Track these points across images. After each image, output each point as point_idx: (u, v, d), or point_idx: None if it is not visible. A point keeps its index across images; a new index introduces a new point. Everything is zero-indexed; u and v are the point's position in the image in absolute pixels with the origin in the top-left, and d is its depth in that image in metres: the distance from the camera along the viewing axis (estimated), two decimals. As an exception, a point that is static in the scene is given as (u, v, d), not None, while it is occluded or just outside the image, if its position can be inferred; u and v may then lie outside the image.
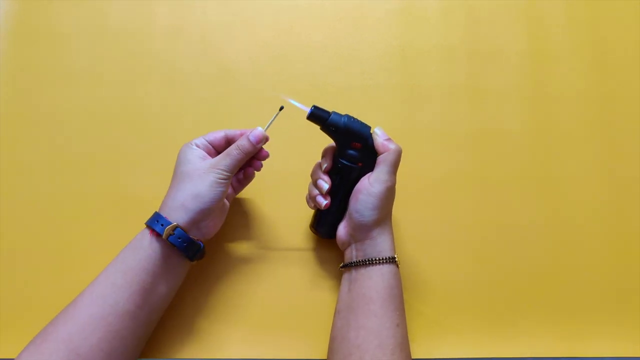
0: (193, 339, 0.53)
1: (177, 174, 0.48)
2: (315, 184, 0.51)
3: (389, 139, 0.49)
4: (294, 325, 0.54)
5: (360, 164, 0.49)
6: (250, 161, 0.51)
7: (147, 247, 0.45)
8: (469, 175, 0.60)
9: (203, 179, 0.47)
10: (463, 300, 0.56)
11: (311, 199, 0.52)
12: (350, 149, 0.49)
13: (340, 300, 0.49)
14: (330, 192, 0.50)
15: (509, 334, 0.55)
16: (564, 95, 0.64)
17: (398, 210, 0.52)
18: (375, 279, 0.47)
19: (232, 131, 0.51)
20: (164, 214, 0.46)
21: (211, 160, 0.48)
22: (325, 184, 0.50)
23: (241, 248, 0.57)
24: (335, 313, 0.49)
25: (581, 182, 0.60)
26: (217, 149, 0.51)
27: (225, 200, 0.51)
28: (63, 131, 0.60)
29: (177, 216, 0.46)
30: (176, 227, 0.45)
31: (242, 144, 0.48)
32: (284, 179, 0.59)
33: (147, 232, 0.46)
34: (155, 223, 0.46)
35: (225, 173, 0.47)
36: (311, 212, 0.55)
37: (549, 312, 0.56)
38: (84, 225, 0.57)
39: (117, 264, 0.46)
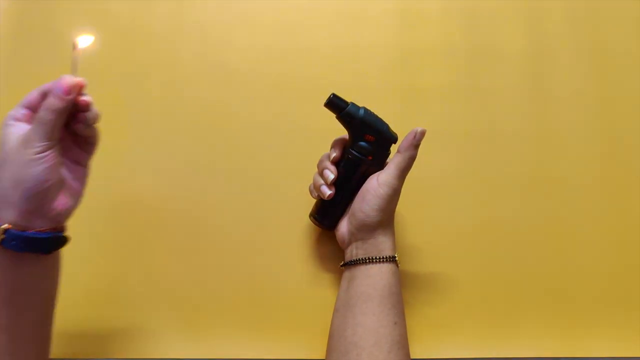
0: (192, 338, 0.53)
1: None
2: (321, 173, 0.51)
3: (416, 145, 0.48)
4: (293, 323, 0.54)
5: (370, 157, 0.50)
6: (74, 116, 0.42)
7: None
8: (469, 175, 0.60)
9: (18, 160, 0.38)
10: (463, 300, 0.55)
11: (315, 189, 0.52)
12: (363, 141, 0.49)
13: (339, 298, 0.49)
14: (336, 183, 0.50)
15: (509, 334, 0.54)
16: (564, 95, 0.64)
17: (399, 209, 0.52)
18: (374, 277, 0.47)
19: (46, 85, 0.41)
20: None
21: (23, 135, 0.39)
22: (331, 174, 0.50)
23: (240, 246, 0.56)
24: (334, 311, 0.49)
25: (581, 182, 0.60)
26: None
27: (76, 167, 0.43)
28: (63, 131, 0.60)
29: (6, 214, 0.38)
30: (6, 229, 0.37)
31: (49, 102, 0.39)
32: (284, 176, 0.59)
33: None
34: None
35: (40, 145, 0.38)
36: (312, 206, 0.55)
37: (549, 312, 0.55)
38: (84, 224, 0.57)
39: None
